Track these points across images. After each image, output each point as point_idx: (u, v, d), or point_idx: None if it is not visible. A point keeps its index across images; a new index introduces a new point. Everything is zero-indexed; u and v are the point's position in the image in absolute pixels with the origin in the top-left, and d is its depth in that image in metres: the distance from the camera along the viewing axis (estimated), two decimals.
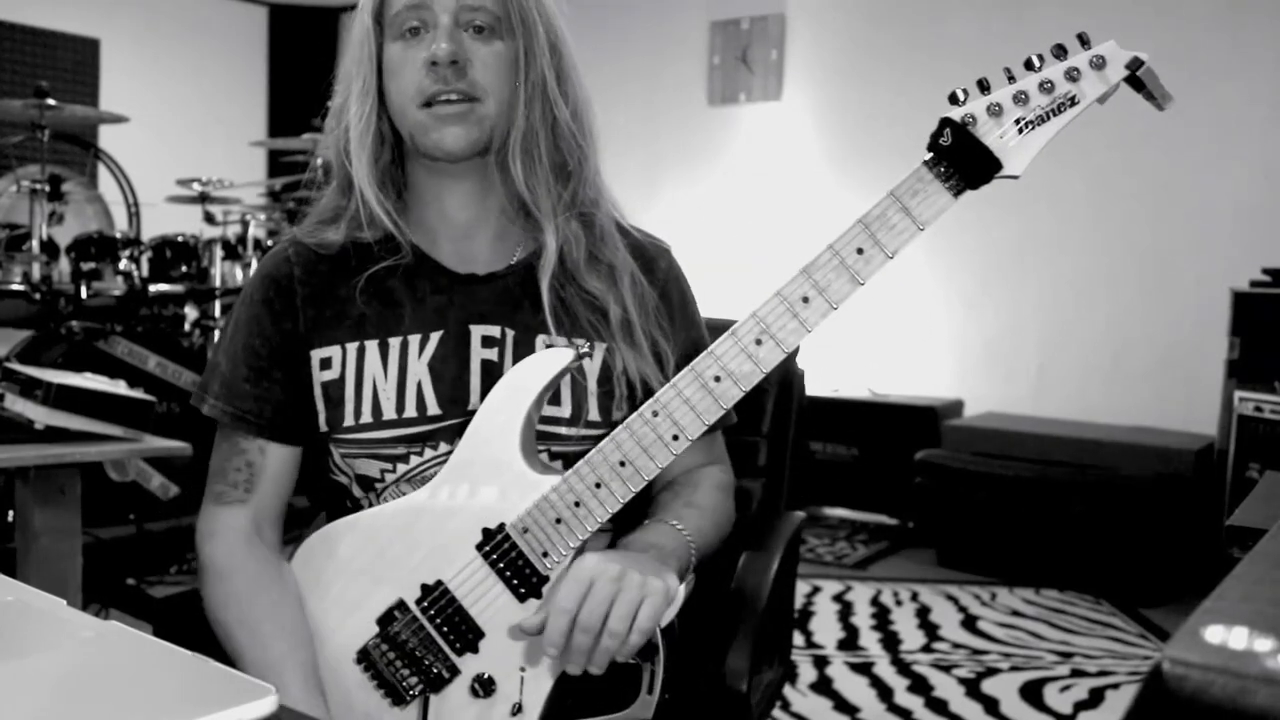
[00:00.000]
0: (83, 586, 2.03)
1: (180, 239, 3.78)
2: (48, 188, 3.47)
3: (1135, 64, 0.89)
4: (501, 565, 1.02)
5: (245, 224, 3.91)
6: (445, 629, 1.04)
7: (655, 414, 0.98)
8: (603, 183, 1.19)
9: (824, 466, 4.37)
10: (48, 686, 0.66)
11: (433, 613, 1.04)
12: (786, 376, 1.54)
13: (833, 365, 4.63)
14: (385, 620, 1.05)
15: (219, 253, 3.85)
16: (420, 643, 1.04)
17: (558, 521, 1.00)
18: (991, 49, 4.37)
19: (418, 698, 1.05)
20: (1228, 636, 0.46)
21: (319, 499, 1.23)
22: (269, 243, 3.92)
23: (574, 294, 1.13)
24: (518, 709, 1.02)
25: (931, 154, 0.93)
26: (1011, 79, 0.92)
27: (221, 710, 0.61)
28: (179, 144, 5.59)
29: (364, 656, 1.06)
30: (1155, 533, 3.47)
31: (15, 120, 3.76)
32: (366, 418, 1.10)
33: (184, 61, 6.02)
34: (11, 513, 2.38)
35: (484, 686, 1.02)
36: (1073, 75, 0.90)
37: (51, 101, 3.46)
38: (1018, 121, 0.91)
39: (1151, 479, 3.50)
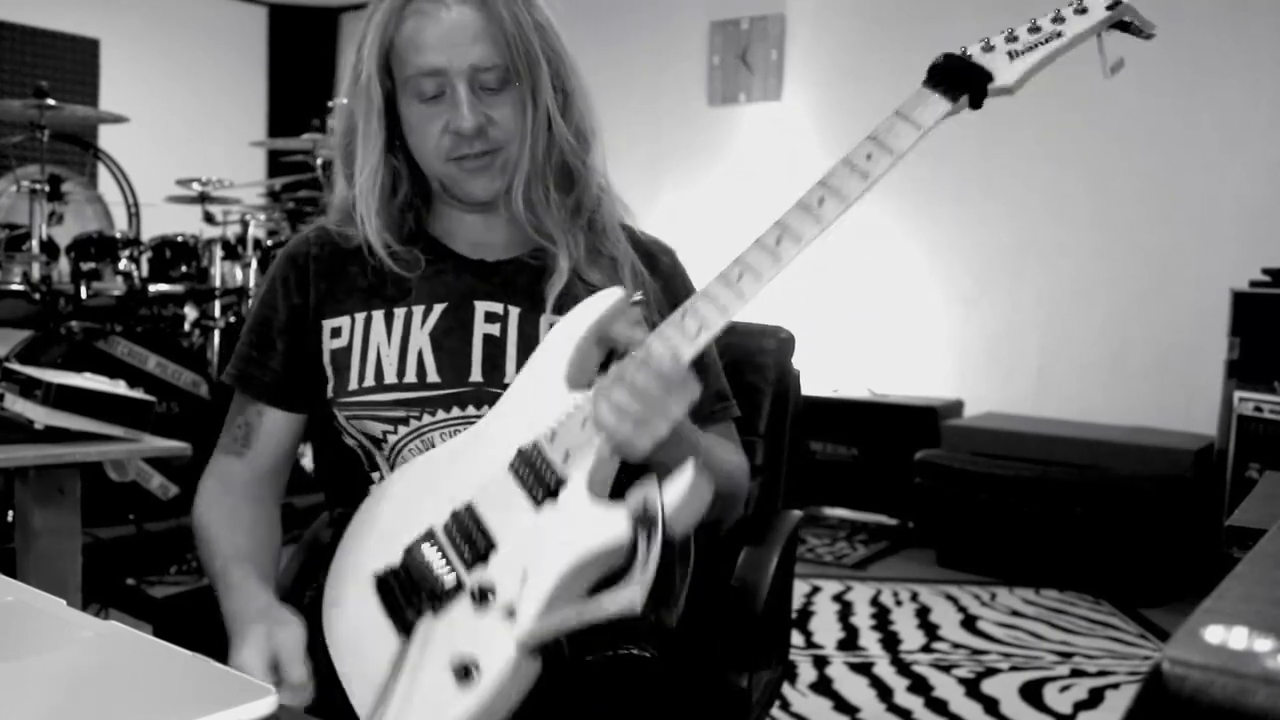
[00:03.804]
0: (83, 586, 2.03)
1: (180, 239, 3.78)
2: (47, 188, 3.47)
3: (1114, 3, 0.96)
4: (524, 473, 1.01)
5: (245, 224, 3.92)
6: (463, 544, 1.02)
7: (683, 316, 0.99)
8: (607, 182, 1.22)
9: (824, 466, 4.37)
10: (48, 686, 0.66)
11: (455, 531, 1.03)
12: (783, 376, 1.53)
13: (832, 365, 4.63)
14: (411, 548, 1.04)
15: (219, 253, 3.86)
16: (436, 560, 1.02)
17: (584, 422, 0.99)
18: None
19: (420, 618, 1.01)
20: (1228, 636, 0.46)
21: (333, 489, 1.26)
22: (269, 243, 3.93)
23: (577, 285, 1.17)
24: (511, 612, 0.98)
25: (927, 76, 0.99)
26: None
27: (221, 710, 0.61)
28: (179, 144, 5.58)
29: (381, 583, 1.05)
30: (1155, 533, 3.47)
31: (15, 120, 3.75)
32: (369, 381, 1.15)
33: (184, 61, 6.02)
34: (11, 513, 2.38)
35: (483, 595, 1.00)
36: (1058, 19, 0.98)
37: (51, 101, 3.46)
38: (1009, 53, 0.99)
39: (1151, 479, 3.50)
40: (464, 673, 0.94)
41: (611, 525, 0.95)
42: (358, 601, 1.06)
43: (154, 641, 0.72)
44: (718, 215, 5.10)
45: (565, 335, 1.06)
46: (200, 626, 1.15)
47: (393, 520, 1.09)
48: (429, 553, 1.02)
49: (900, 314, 4.66)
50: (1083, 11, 0.97)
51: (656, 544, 0.94)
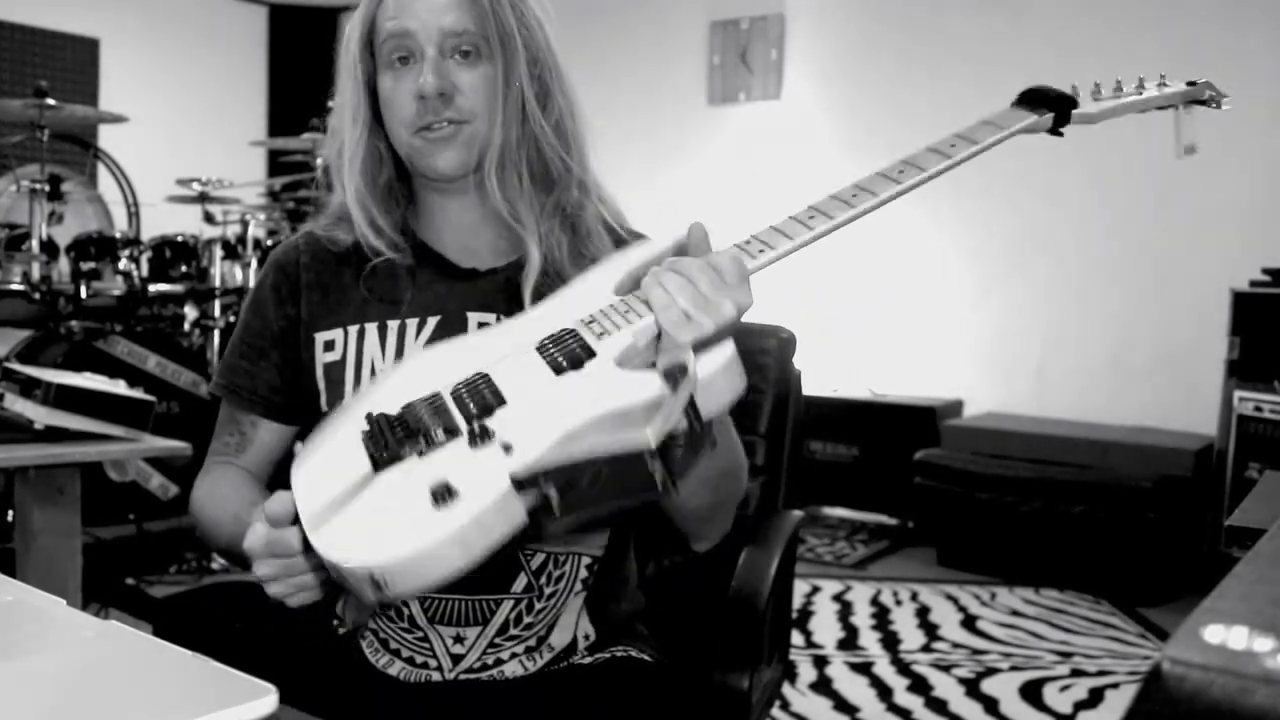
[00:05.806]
0: (83, 586, 2.03)
1: (180, 239, 3.78)
2: (47, 188, 3.47)
3: (1192, 81, 1.14)
4: (553, 350, 0.95)
5: (245, 224, 3.92)
6: (469, 400, 0.93)
7: (747, 240, 1.00)
8: (596, 185, 1.21)
9: (824, 466, 4.37)
10: (48, 686, 0.66)
11: (463, 392, 0.94)
12: (784, 376, 1.54)
13: (833, 365, 4.63)
14: (412, 404, 0.94)
15: (219, 252, 3.86)
16: (435, 413, 0.93)
17: (627, 312, 0.95)
18: (991, 49, 4.37)
19: (404, 456, 0.90)
20: (1227, 636, 0.46)
21: None
22: (269, 242, 3.93)
23: (558, 287, 1.13)
24: (508, 448, 0.88)
25: (1016, 99, 1.11)
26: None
27: (221, 710, 0.61)
28: (179, 144, 5.58)
29: (371, 424, 0.94)
30: (1155, 533, 3.47)
31: (15, 120, 3.76)
32: None
33: (184, 61, 6.02)
34: (11, 513, 2.38)
35: (482, 433, 0.89)
36: (1140, 86, 1.15)
37: (51, 101, 3.46)
38: (1093, 96, 1.13)
39: (1151, 479, 3.50)
40: (443, 494, 0.83)
41: (642, 384, 0.87)
42: (338, 440, 0.94)
43: (154, 641, 0.72)
44: (717, 215, 5.10)
45: (622, 258, 1.04)
46: (200, 626, 1.14)
47: (397, 386, 0.98)
48: (428, 408, 0.93)
49: (900, 314, 4.65)
50: (1164, 85, 1.15)
51: (684, 394, 0.86)
